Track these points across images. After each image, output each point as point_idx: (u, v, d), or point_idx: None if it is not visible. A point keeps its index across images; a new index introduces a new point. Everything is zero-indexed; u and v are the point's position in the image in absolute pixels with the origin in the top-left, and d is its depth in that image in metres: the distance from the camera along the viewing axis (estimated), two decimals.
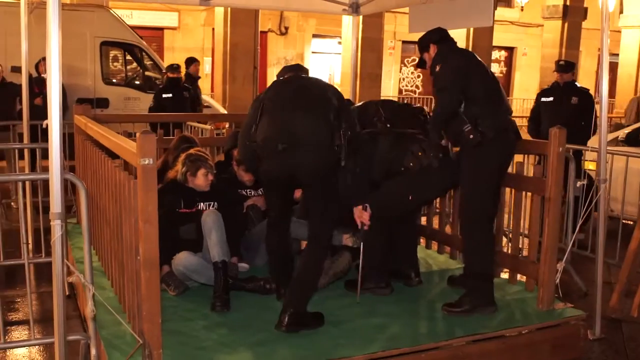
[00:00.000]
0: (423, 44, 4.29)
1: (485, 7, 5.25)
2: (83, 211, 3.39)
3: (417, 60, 4.43)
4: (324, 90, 3.94)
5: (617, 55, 21.38)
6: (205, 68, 18.91)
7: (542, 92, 7.36)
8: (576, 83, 7.14)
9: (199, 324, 3.85)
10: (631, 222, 6.19)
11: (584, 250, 6.03)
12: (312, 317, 3.84)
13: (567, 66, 7.02)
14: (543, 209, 4.16)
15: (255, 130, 3.91)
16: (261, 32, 17.03)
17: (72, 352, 3.82)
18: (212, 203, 4.64)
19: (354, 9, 6.89)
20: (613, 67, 22.80)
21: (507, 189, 4.79)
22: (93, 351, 3.52)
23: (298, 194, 4.88)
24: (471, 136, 3.94)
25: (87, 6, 10.70)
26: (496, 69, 23.61)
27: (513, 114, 4.31)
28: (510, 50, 23.78)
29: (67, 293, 4.83)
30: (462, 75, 4.00)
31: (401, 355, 3.58)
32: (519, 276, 4.64)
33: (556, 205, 4.06)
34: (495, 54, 22.47)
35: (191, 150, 4.79)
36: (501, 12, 21.22)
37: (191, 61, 10.12)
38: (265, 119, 3.88)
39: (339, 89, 4.10)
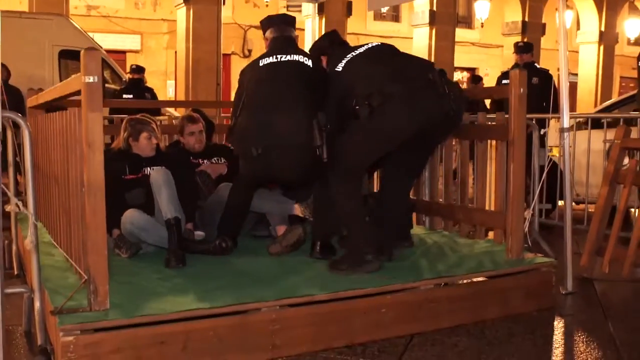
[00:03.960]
0: (316, 56, 4.07)
1: None
2: (27, 148, 3.19)
3: None
4: (308, 80, 3.91)
5: (576, 75, 21.81)
6: (168, 91, 18.78)
7: (503, 75, 7.35)
8: (535, 64, 7.16)
9: (152, 277, 3.64)
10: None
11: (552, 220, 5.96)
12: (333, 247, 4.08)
13: (525, 47, 7.05)
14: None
15: (234, 125, 4.03)
16: (224, 54, 17.01)
17: (16, 314, 3.60)
18: (160, 167, 4.44)
19: None
20: (572, 86, 23.27)
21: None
22: (37, 304, 3.26)
23: None
24: (357, 107, 3.62)
25: (46, 14, 10.53)
26: None
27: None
28: (472, 70, 24.06)
29: (16, 272, 4.64)
30: (340, 98, 3.78)
31: (367, 297, 3.41)
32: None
33: (520, 148, 3.95)
34: (458, 75, 22.71)
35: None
36: (462, 34, 21.51)
37: None
38: (244, 114, 3.94)
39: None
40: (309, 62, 3.98)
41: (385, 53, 3.95)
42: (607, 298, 4.27)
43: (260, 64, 3.98)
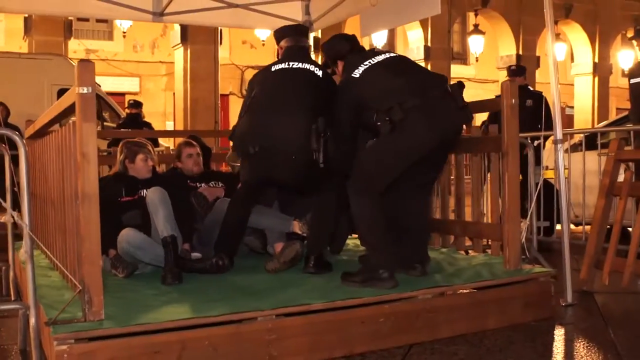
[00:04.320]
0: (331, 59, 4.08)
1: None
2: (22, 162, 3.20)
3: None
4: (315, 88, 3.98)
5: (572, 107, 21.96)
6: None
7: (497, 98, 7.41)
8: (529, 87, 7.22)
9: (148, 292, 3.62)
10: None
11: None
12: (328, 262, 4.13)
13: (518, 70, 7.13)
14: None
15: (236, 125, 4.15)
16: (222, 94, 17.17)
17: (11, 335, 3.57)
18: (156, 187, 4.44)
19: (308, 26, 6.95)
20: (569, 119, 23.42)
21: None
22: (32, 320, 3.24)
23: None
24: (379, 123, 3.58)
25: (44, 54, 10.70)
26: None
27: None
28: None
29: (13, 298, 4.61)
30: (354, 106, 3.76)
31: (364, 306, 3.39)
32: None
33: (514, 159, 3.96)
34: None
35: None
36: (458, 70, 21.77)
37: None
38: (247, 115, 4.04)
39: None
40: (320, 72, 4.05)
41: (403, 65, 3.93)
42: (607, 308, 4.23)
43: (272, 70, 4.08)
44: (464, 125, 4.18)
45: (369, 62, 3.81)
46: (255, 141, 3.88)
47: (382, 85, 3.71)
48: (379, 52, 3.97)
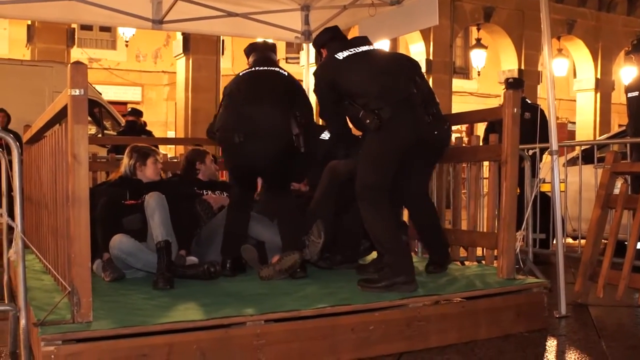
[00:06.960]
0: (317, 50, 4.35)
1: (431, 7, 5.32)
2: (15, 163, 3.22)
3: None
4: (284, 84, 4.30)
5: (574, 123, 21.95)
6: None
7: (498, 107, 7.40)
8: (527, 99, 7.21)
9: (138, 296, 3.61)
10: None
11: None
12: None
13: (516, 83, 7.12)
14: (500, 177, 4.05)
15: (213, 122, 4.41)
16: None
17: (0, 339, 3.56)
18: (155, 192, 4.45)
19: (307, 36, 6.98)
20: (571, 134, 23.41)
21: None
22: (22, 322, 3.23)
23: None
24: (367, 121, 3.75)
25: (46, 61, 10.74)
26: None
27: None
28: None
29: (6, 302, 4.60)
30: (329, 85, 3.95)
31: (353, 313, 3.37)
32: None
33: (513, 168, 3.95)
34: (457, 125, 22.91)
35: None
36: (460, 84, 21.81)
37: None
38: (225, 111, 4.28)
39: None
40: (284, 72, 4.36)
41: (389, 63, 4.09)
42: (601, 320, 4.21)
43: (240, 74, 4.36)
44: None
45: (354, 50, 4.02)
46: (239, 130, 4.10)
47: (368, 80, 3.87)
48: (363, 43, 4.14)
